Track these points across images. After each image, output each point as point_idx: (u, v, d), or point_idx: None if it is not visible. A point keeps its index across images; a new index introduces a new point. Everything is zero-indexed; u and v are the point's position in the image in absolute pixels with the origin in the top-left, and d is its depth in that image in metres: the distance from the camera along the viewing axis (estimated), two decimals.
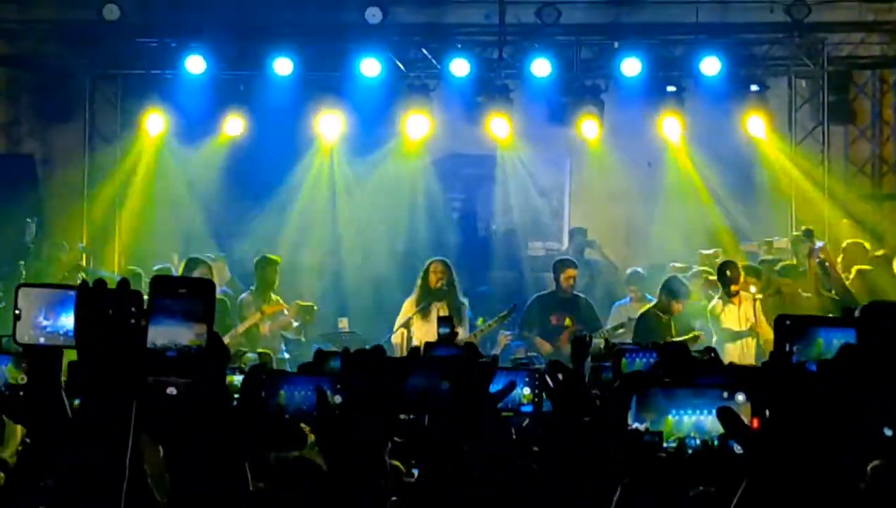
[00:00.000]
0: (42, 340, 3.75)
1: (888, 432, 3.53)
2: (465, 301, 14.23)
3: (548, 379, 4.35)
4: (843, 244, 15.98)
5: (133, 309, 3.48)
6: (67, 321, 3.74)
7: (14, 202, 17.36)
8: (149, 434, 3.68)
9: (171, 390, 3.53)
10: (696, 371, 4.72)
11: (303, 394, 5.35)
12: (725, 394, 3.66)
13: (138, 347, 3.44)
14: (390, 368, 3.85)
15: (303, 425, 5.52)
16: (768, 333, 13.57)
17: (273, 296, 14.73)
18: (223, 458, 3.58)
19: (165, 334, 3.58)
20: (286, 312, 14.82)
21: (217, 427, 3.61)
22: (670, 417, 4.35)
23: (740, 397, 3.59)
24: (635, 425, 3.67)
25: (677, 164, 18.09)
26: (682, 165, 18.06)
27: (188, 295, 3.57)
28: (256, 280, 14.87)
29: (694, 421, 3.68)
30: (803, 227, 17.01)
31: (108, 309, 3.42)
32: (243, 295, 14.86)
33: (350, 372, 3.94)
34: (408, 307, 14.05)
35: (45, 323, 3.80)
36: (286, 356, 14.57)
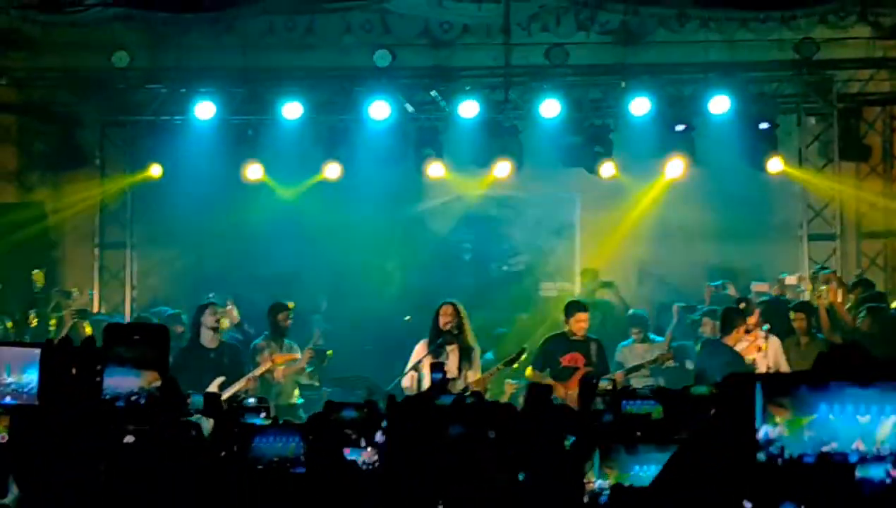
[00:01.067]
0: (7, 399, 3.71)
1: (748, 505, 3.47)
2: (477, 343, 14.15)
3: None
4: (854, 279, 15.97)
5: (98, 367, 3.44)
6: (32, 379, 3.70)
7: (25, 249, 17.41)
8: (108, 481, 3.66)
9: (129, 438, 3.50)
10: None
11: (277, 445, 5.35)
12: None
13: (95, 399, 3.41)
14: (436, 416, 3.82)
15: None
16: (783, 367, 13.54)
17: (286, 342, 14.67)
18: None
19: (118, 382, 3.54)
20: (298, 359, 14.74)
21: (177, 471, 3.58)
22: (632, 473, 4.28)
23: None
24: (598, 482, 3.60)
25: (688, 203, 18.03)
26: (693, 204, 18.01)
27: (142, 342, 3.53)
28: (269, 326, 14.80)
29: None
30: (818, 266, 17.01)
31: (71, 368, 3.38)
32: (257, 340, 14.79)
33: (396, 418, 3.90)
34: (419, 350, 13.98)
35: (9, 380, 3.77)
36: (301, 401, 14.50)
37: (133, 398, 3.53)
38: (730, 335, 13.51)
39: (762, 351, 13.76)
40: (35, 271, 16.53)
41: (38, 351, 3.72)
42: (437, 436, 3.76)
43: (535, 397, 4.41)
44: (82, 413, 3.47)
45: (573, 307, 14.29)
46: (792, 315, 14.56)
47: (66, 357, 3.52)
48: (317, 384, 15.27)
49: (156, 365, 3.56)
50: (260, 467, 5.36)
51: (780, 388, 3.45)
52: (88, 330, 14.77)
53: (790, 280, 16.71)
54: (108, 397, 3.56)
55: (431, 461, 3.72)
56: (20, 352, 3.92)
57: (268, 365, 13.99)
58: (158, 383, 3.54)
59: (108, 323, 4.29)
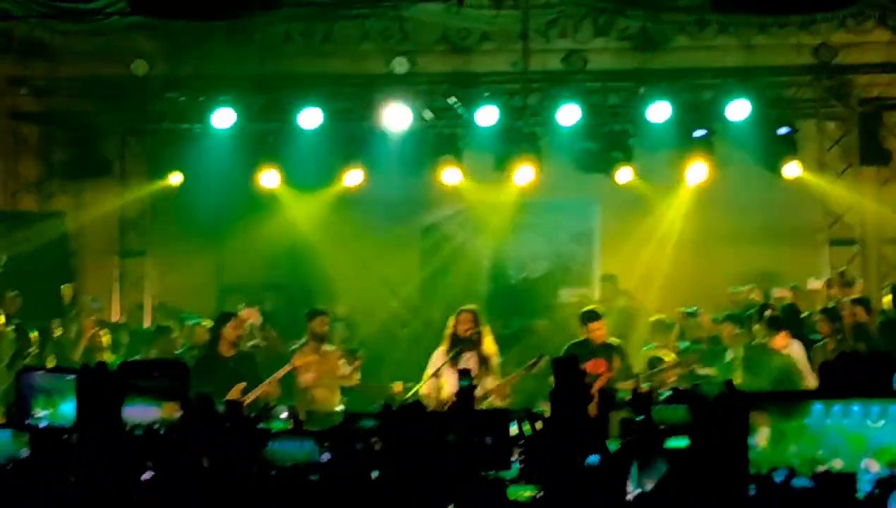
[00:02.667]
0: (43, 423, 3.72)
1: None
2: (495, 349, 14.13)
3: (522, 428, 4.30)
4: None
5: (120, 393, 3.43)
6: (68, 405, 3.70)
7: (45, 258, 17.47)
8: None
9: (147, 475, 3.49)
10: None
11: (291, 450, 5.35)
12: None
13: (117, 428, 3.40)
14: (433, 423, 3.81)
15: None
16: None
17: (327, 347, 14.54)
18: None
19: (141, 414, 3.54)
20: (346, 366, 14.65)
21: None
22: None
23: None
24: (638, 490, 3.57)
25: (707, 208, 17.98)
26: (713, 209, 17.95)
27: (160, 377, 3.54)
28: (308, 332, 14.68)
29: None
30: (842, 269, 16.91)
31: (107, 393, 3.38)
32: (293, 346, 14.70)
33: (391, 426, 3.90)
34: (438, 357, 13.95)
35: (44, 410, 3.77)
36: (342, 408, 14.36)
37: (154, 427, 3.54)
38: (775, 338, 13.53)
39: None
40: (64, 286, 16.63)
41: (71, 377, 3.73)
42: (435, 443, 3.75)
43: (566, 372, 4.39)
44: (122, 441, 3.47)
45: (586, 316, 14.24)
46: (816, 317, 14.56)
47: (102, 382, 3.52)
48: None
49: (175, 397, 3.58)
50: (273, 472, 5.36)
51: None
52: (106, 339, 14.83)
53: (814, 284, 16.65)
54: (128, 428, 3.57)
55: (433, 466, 3.71)
56: (55, 377, 3.93)
57: (287, 368, 13.94)
58: (178, 414, 3.55)
59: (124, 362, 4.29)
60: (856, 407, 3.45)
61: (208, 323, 14.95)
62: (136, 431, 3.56)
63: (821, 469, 3.41)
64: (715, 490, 3.60)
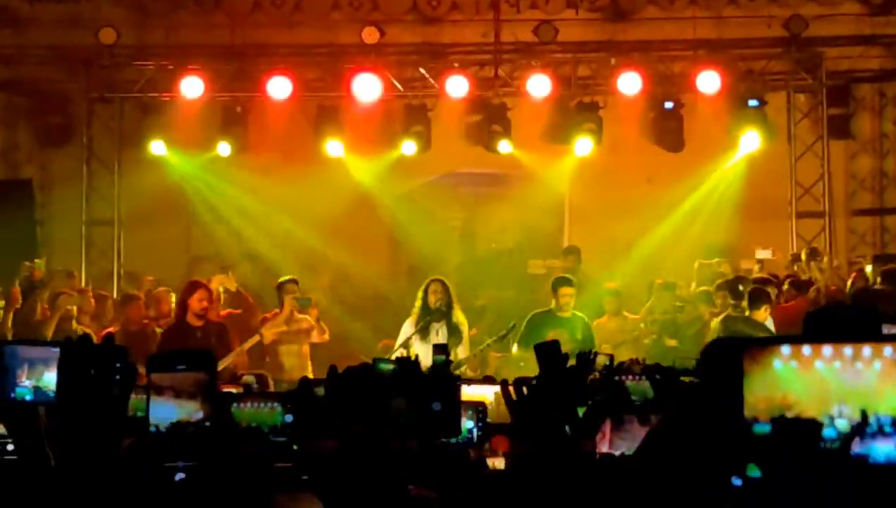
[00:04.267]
0: (27, 398, 3.67)
1: (737, 481, 3.45)
2: (465, 320, 14.14)
3: (511, 391, 4.27)
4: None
5: (118, 364, 3.37)
6: (51, 378, 3.66)
7: (12, 227, 17.32)
8: None
9: (180, 475, 3.43)
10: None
11: (254, 413, 5.39)
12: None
13: (119, 414, 3.34)
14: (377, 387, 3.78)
15: None
16: None
17: (298, 316, 14.48)
18: None
19: (166, 413, 3.49)
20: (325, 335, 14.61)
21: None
22: None
23: None
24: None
25: (675, 180, 17.99)
26: (680, 181, 17.97)
27: (187, 370, 3.47)
28: (279, 302, 14.62)
29: None
30: (813, 245, 16.91)
31: (90, 368, 3.32)
32: (264, 315, 14.63)
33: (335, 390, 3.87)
34: (407, 327, 13.95)
35: (27, 381, 3.72)
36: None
37: (184, 430, 3.47)
38: (758, 311, 13.54)
39: None
40: (36, 260, 16.48)
41: (56, 350, 3.67)
42: (378, 409, 3.72)
43: (547, 354, 4.37)
44: (103, 419, 3.40)
45: (558, 281, 14.29)
46: (785, 287, 14.63)
47: (85, 357, 3.45)
48: None
49: (206, 395, 3.51)
50: (237, 432, 5.38)
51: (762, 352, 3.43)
52: (74, 309, 14.68)
53: (762, 253, 16.64)
54: (157, 430, 3.52)
55: (379, 433, 3.69)
56: (39, 351, 3.87)
57: (255, 339, 13.90)
58: (209, 412, 3.48)
59: (152, 355, 4.21)
60: (827, 350, 3.41)
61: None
62: (169, 434, 3.51)
63: (788, 414, 3.37)
64: (715, 436, 3.59)
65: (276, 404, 5.48)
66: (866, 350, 3.34)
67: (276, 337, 14.15)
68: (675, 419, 3.63)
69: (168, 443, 3.58)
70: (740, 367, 3.36)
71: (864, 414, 3.29)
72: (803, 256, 16.04)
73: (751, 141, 17.49)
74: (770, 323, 13.70)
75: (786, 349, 3.37)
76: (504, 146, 17.71)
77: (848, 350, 3.34)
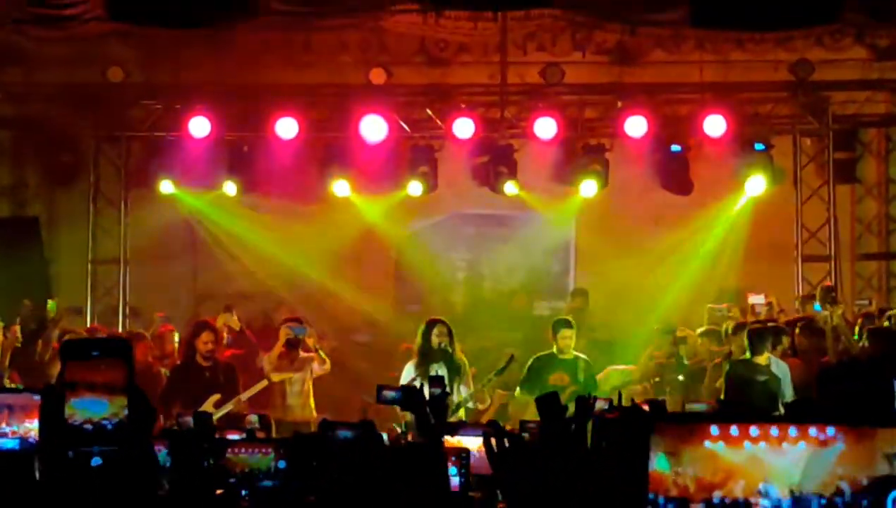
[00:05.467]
0: (8, 446, 3.66)
1: None
2: (466, 360, 14.10)
3: (492, 442, 4.26)
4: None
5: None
6: (32, 426, 3.66)
7: (21, 264, 17.35)
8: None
9: (96, 460, 3.41)
10: None
11: (248, 458, 5.39)
12: None
13: (149, 456, 3.34)
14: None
15: None
16: None
17: (303, 354, 14.46)
18: None
19: (84, 406, 3.46)
20: (326, 364, 14.59)
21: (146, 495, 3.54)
22: None
23: None
24: None
25: (682, 223, 17.99)
26: (687, 224, 17.97)
27: (102, 357, 3.44)
28: (281, 341, 14.58)
29: None
30: (827, 283, 16.86)
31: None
32: (265, 357, 14.60)
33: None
34: (409, 369, 13.92)
35: (7, 429, 3.71)
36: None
37: (102, 423, 3.44)
38: (761, 355, 13.48)
39: None
40: (49, 301, 16.53)
41: (37, 398, 3.66)
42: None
43: (547, 407, 4.38)
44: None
45: (558, 324, 14.28)
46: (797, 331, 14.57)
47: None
48: None
49: (122, 385, 3.48)
50: (232, 480, 5.40)
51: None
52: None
53: (754, 298, 16.58)
54: (75, 423, 3.49)
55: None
56: (19, 397, 3.87)
57: (262, 385, 13.88)
58: (125, 403, 3.45)
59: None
60: (754, 430, 3.43)
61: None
62: (85, 427, 3.48)
63: (718, 493, 3.37)
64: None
65: (269, 449, 5.52)
66: (792, 430, 3.38)
67: (282, 377, 14.12)
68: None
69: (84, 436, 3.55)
70: (646, 445, 3.38)
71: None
72: (817, 296, 15.95)
73: (757, 184, 17.47)
74: (779, 367, 13.62)
75: (714, 429, 3.40)
76: (510, 187, 17.72)
77: (774, 430, 3.38)
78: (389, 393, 8.49)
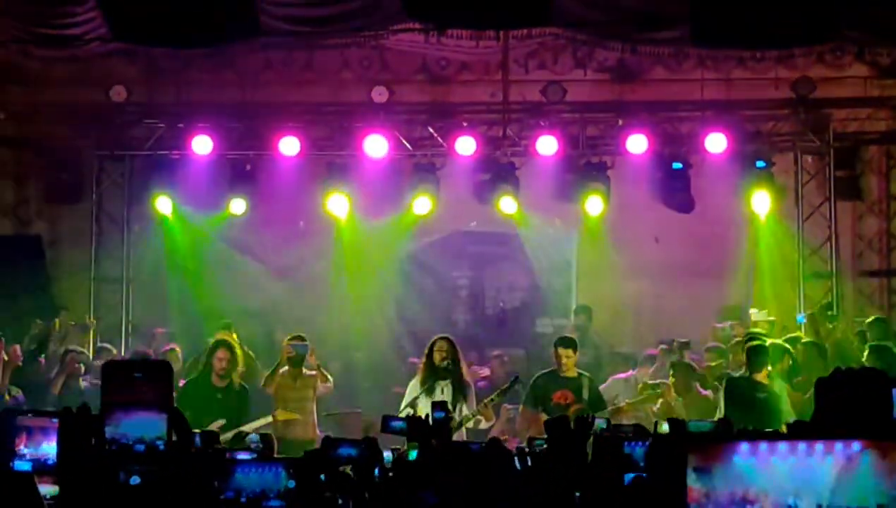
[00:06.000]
0: (25, 469, 3.68)
1: None
2: (471, 379, 14.13)
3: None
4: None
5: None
6: (49, 448, 3.69)
7: (21, 282, 17.37)
8: None
9: (135, 479, 3.44)
10: None
11: (258, 478, 5.37)
12: None
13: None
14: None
15: None
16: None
17: (307, 372, 14.43)
18: None
19: (125, 427, 3.49)
20: (329, 382, 14.58)
21: None
22: None
23: None
24: None
25: (684, 240, 18.00)
26: (689, 241, 17.97)
27: (144, 380, 3.47)
28: (284, 359, 14.54)
29: None
30: (824, 302, 16.89)
31: (90, 438, 3.33)
32: (266, 374, 14.56)
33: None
34: (413, 387, 13.91)
35: (25, 451, 3.74)
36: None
37: (144, 445, 3.47)
38: (759, 372, 13.49)
39: None
40: (63, 311, 16.60)
41: (55, 421, 3.69)
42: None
43: (555, 430, 4.42)
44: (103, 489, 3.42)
45: (559, 342, 14.29)
46: (799, 347, 14.59)
47: (85, 427, 3.47)
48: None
49: (162, 406, 3.52)
50: (243, 500, 5.39)
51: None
52: (80, 366, 14.71)
53: (756, 315, 16.59)
54: (115, 441, 3.51)
55: None
56: (38, 421, 3.89)
57: (267, 419, 13.81)
58: (166, 426, 3.48)
59: (108, 362, 4.26)
60: (783, 446, 3.47)
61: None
62: (135, 447, 3.50)
63: None
64: None
65: (280, 469, 5.49)
66: (819, 446, 3.41)
67: (287, 417, 14.03)
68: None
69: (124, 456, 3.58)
70: (684, 463, 3.42)
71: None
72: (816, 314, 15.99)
73: (758, 202, 17.48)
74: (781, 386, 13.62)
75: (744, 446, 3.44)
76: (512, 205, 17.73)
77: (802, 446, 3.41)
78: (396, 424, 8.51)
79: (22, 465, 3.83)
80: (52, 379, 14.67)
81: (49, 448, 3.84)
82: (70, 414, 3.53)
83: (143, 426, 3.62)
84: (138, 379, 3.60)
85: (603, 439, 5.88)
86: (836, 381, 3.79)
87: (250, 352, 15.73)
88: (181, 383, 13.71)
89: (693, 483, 3.46)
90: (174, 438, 3.65)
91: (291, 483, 4.66)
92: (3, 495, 3.89)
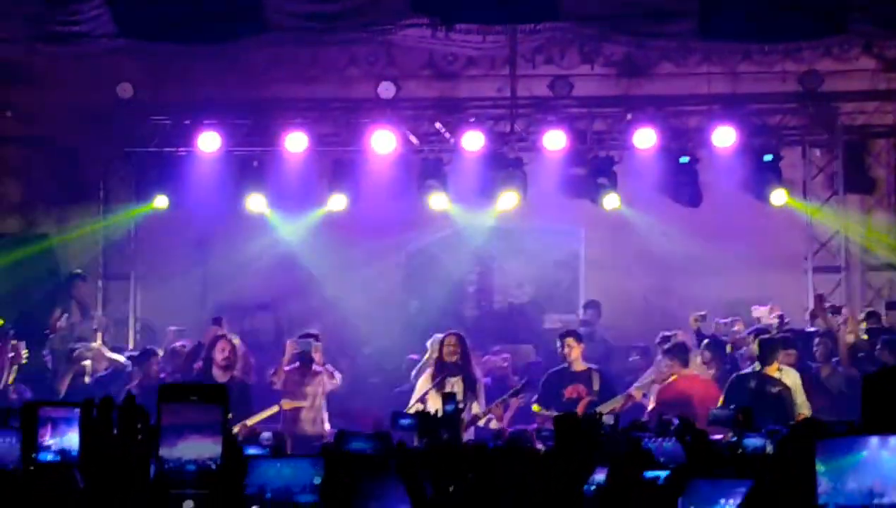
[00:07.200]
0: (49, 458, 3.68)
1: None
2: (480, 374, 14.14)
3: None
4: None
5: (140, 425, 3.39)
6: (73, 438, 3.69)
7: (30, 282, 17.39)
8: None
9: (189, 503, 3.43)
10: None
11: (282, 475, 5.34)
12: None
13: (145, 461, 3.35)
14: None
15: None
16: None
17: (316, 368, 14.47)
18: None
19: (179, 448, 3.49)
20: (336, 378, 14.60)
21: None
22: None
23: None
24: None
25: (693, 235, 17.95)
26: (698, 236, 17.92)
27: (199, 402, 3.46)
28: (294, 354, 14.57)
29: None
30: (829, 303, 16.84)
31: (113, 428, 3.33)
32: (273, 370, 14.61)
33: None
34: (423, 382, 13.93)
35: (50, 441, 3.74)
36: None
37: (198, 466, 3.47)
38: (771, 365, 13.47)
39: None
40: (56, 311, 16.63)
41: (77, 410, 3.70)
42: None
43: (565, 429, 4.42)
44: (128, 480, 3.42)
45: (563, 334, 14.31)
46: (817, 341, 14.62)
47: (107, 417, 3.47)
48: None
49: (218, 430, 3.52)
50: (269, 496, 5.34)
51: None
52: (88, 364, 14.73)
53: (759, 312, 16.55)
54: (170, 464, 3.51)
55: None
56: (60, 411, 3.90)
57: (274, 410, 13.85)
58: (220, 448, 3.48)
59: (164, 384, 4.25)
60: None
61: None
62: (187, 468, 3.50)
63: (877, 501, 3.44)
64: None
65: (306, 464, 5.43)
66: None
67: (294, 405, 14.08)
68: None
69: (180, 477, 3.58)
70: (813, 455, 3.45)
71: None
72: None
73: (779, 196, 17.43)
74: (792, 375, 13.59)
75: (873, 440, 3.45)
76: (519, 200, 17.69)
77: None
78: (405, 421, 8.49)
79: (47, 456, 3.83)
80: (58, 375, 14.70)
81: (74, 437, 3.85)
82: (91, 405, 3.52)
83: (196, 448, 3.62)
84: (194, 401, 3.60)
85: (625, 438, 5.88)
86: (883, 379, 3.84)
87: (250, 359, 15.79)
88: None
89: (821, 475, 3.51)
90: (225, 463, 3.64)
91: (317, 480, 4.64)
92: (38, 487, 3.89)
